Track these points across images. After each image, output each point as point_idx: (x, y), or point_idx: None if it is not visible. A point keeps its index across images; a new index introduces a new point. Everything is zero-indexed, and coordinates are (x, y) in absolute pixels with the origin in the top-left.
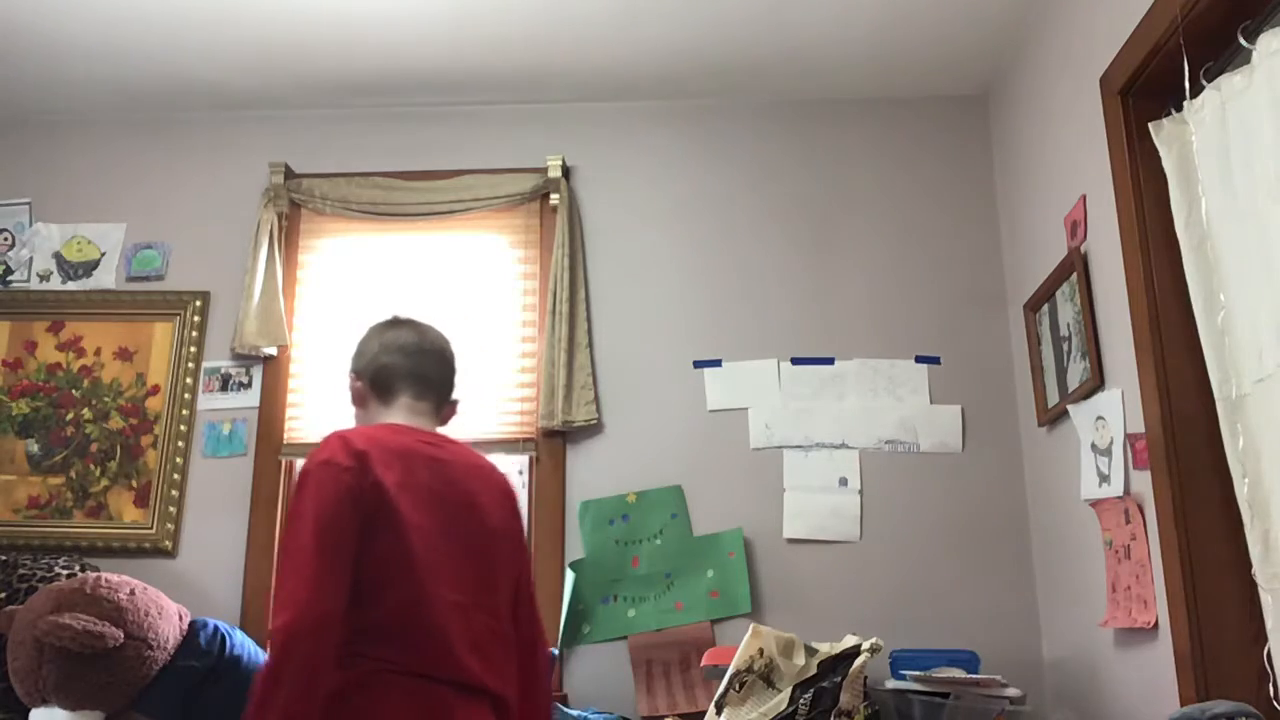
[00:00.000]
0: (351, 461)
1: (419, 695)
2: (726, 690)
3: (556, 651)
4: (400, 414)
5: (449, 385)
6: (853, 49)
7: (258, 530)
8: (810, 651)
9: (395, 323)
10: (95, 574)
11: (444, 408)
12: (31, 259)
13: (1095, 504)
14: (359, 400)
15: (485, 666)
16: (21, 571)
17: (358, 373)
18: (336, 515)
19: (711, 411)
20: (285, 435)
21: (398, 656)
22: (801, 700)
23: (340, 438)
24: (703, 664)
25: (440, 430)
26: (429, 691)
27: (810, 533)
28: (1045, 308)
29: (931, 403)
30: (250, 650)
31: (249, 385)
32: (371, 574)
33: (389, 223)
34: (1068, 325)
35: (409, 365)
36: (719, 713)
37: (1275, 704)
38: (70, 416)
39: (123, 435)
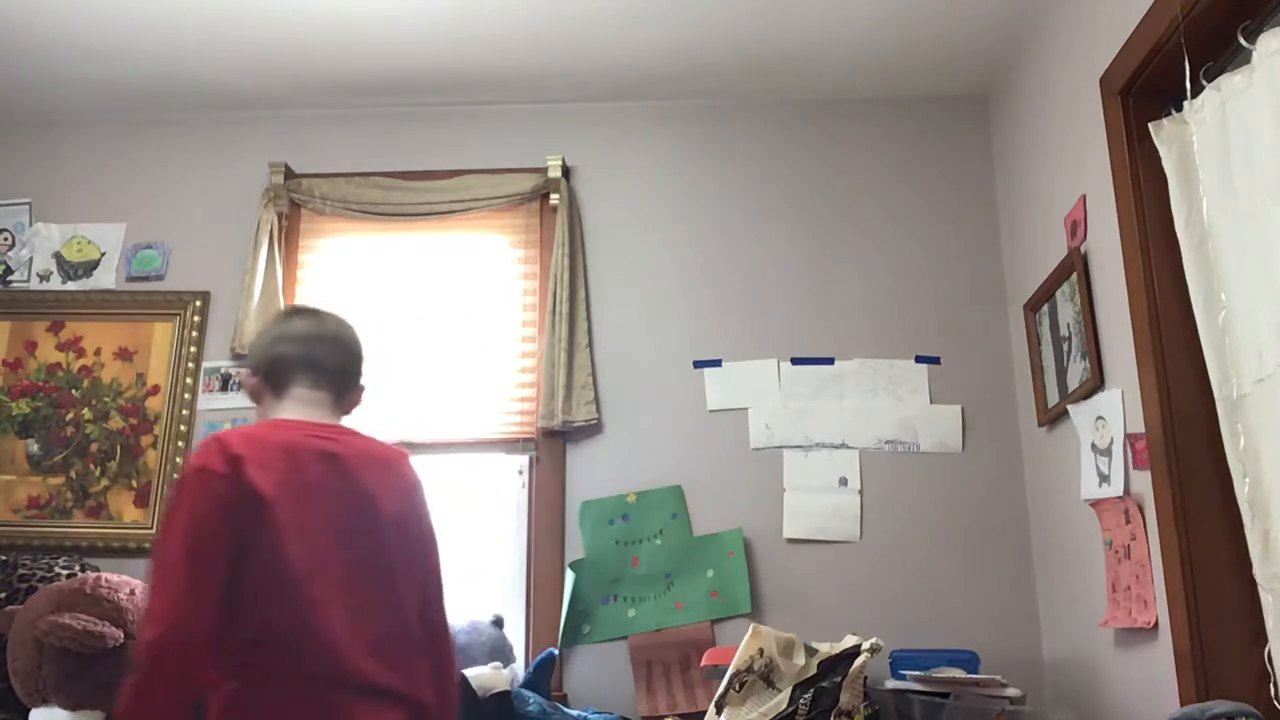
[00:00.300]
0: (226, 468)
1: (315, 701)
2: (726, 690)
3: (556, 651)
4: (293, 406)
5: (349, 373)
6: (853, 49)
7: None
8: (810, 651)
9: (291, 312)
10: (95, 574)
11: (345, 396)
12: (31, 259)
13: (1095, 504)
14: (255, 396)
15: (388, 669)
16: (21, 571)
17: (253, 368)
18: (206, 527)
19: (711, 411)
20: None
21: (291, 664)
22: (801, 700)
23: (217, 440)
24: (703, 664)
25: (342, 420)
26: (327, 696)
27: (810, 533)
28: (1045, 308)
29: (931, 403)
30: None
31: None
32: (253, 584)
33: (389, 223)
34: (1068, 325)
35: (302, 353)
36: (719, 713)
37: (1276, 703)
38: (70, 416)
39: (123, 435)
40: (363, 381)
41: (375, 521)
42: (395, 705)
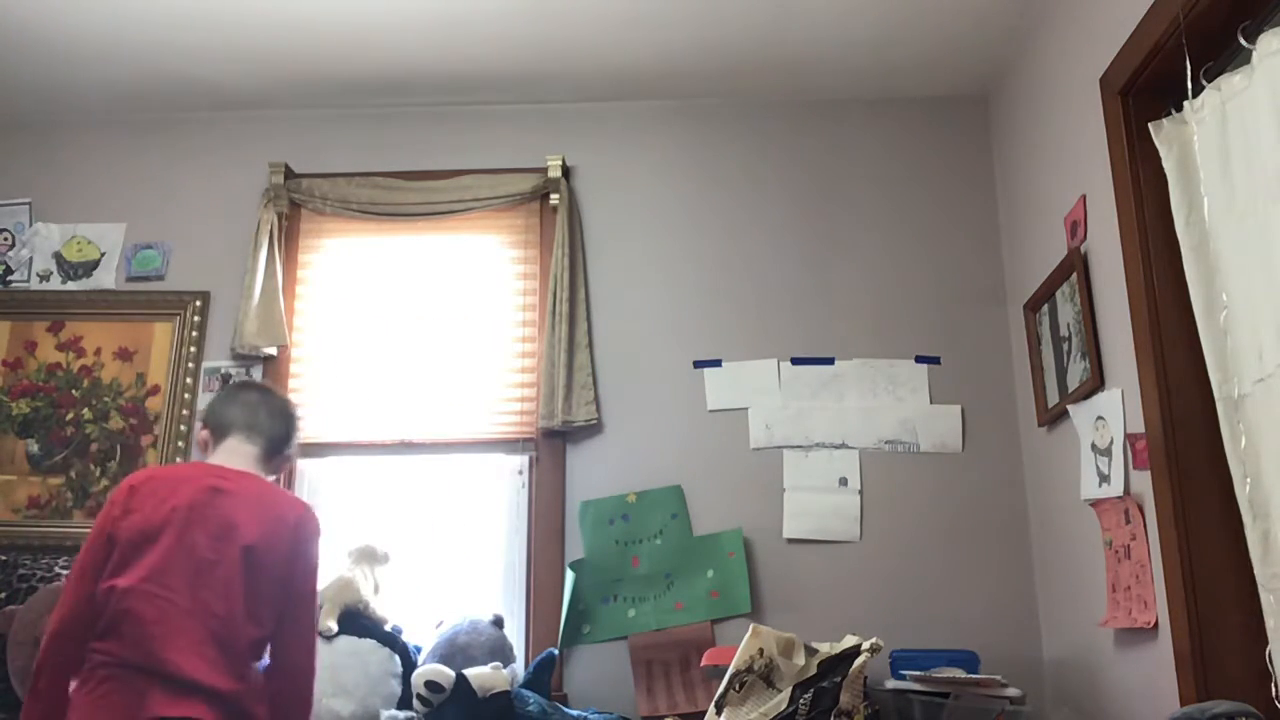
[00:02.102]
0: (121, 497)
1: (121, 683)
2: (726, 690)
3: (556, 651)
4: (221, 453)
5: (280, 438)
6: (853, 49)
7: None
8: (810, 651)
9: (246, 385)
10: None
11: (273, 458)
12: (31, 259)
13: (1095, 504)
14: (202, 446)
15: (207, 666)
16: (21, 571)
17: (204, 423)
18: (92, 546)
19: (711, 411)
20: None
21: (114, 651)
22: (801, 700)
23: (129, 478)
24: (703, 664)
25: (257, 473)
26: (132, 680)
27: (810, 533)
28: (1045, 308)
29: (931, 403)
30: None
31: None
32: (107, 583)
33: (389, 223)
34: (1068, 325)
35: (245, 415)
36: (719, 713)
37: (1277, 703)
38: (70, 416)
39: (123, 435)
40: (290, 453)
41: (227, 545)
42: (200, 698)
